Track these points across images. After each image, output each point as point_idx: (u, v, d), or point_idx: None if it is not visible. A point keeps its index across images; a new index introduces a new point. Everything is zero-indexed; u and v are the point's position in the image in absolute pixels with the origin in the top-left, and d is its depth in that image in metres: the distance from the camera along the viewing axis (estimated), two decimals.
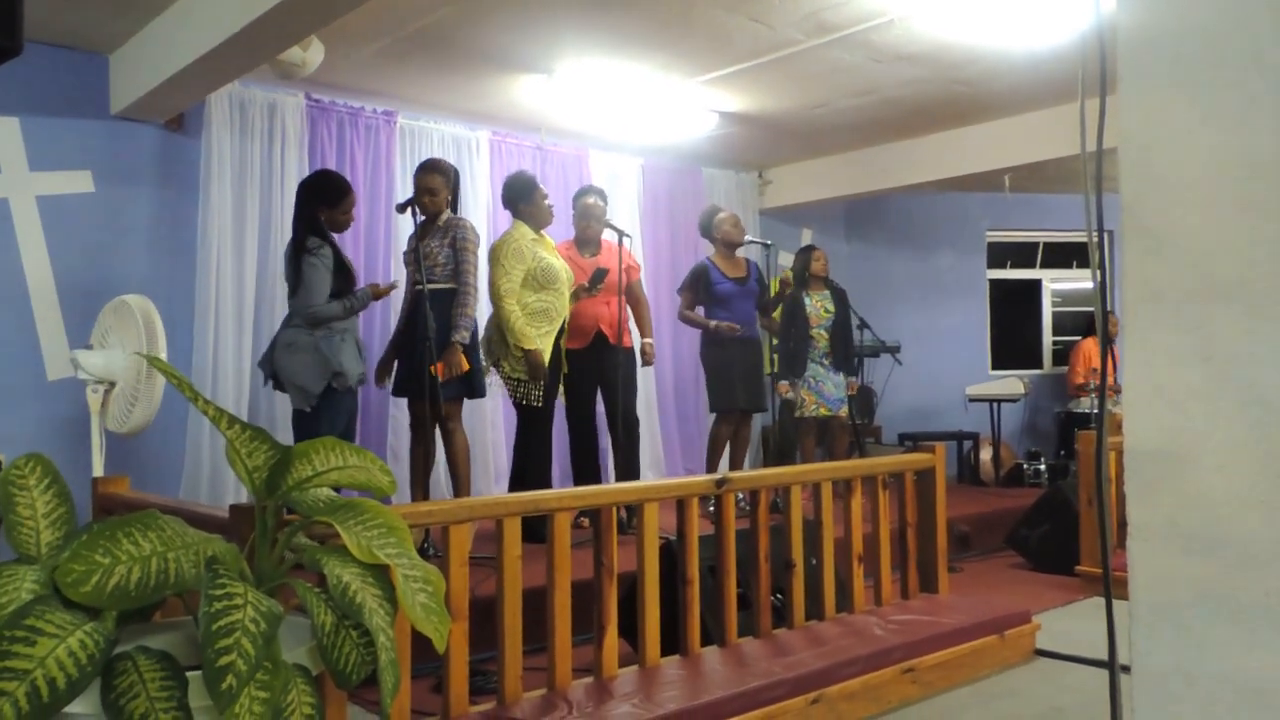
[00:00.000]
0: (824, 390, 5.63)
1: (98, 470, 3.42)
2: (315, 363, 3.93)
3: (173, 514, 2.39)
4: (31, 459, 1.76)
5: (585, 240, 5.03)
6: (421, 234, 4.27)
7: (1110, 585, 1.68)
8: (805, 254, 5.90)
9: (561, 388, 4.73)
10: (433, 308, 4.12)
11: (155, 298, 4.43)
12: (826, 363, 5.67)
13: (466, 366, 4.13)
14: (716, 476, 2.90)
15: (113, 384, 3.56)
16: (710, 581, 3.03)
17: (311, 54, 4.41)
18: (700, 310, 5.48)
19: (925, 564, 3.61)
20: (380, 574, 1.86)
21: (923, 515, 3.62)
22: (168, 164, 5.02)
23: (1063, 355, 8.57)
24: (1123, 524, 1.39)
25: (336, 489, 1.96)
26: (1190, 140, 1.27)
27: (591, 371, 4.80)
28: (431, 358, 3.99)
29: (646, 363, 5.02)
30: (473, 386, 4.29)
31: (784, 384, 5.62)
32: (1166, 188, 1.29)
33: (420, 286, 4.16)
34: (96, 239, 4.78)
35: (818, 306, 5.72)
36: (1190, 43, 1.28)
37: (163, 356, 3.48)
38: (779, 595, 3.20)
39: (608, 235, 4.88)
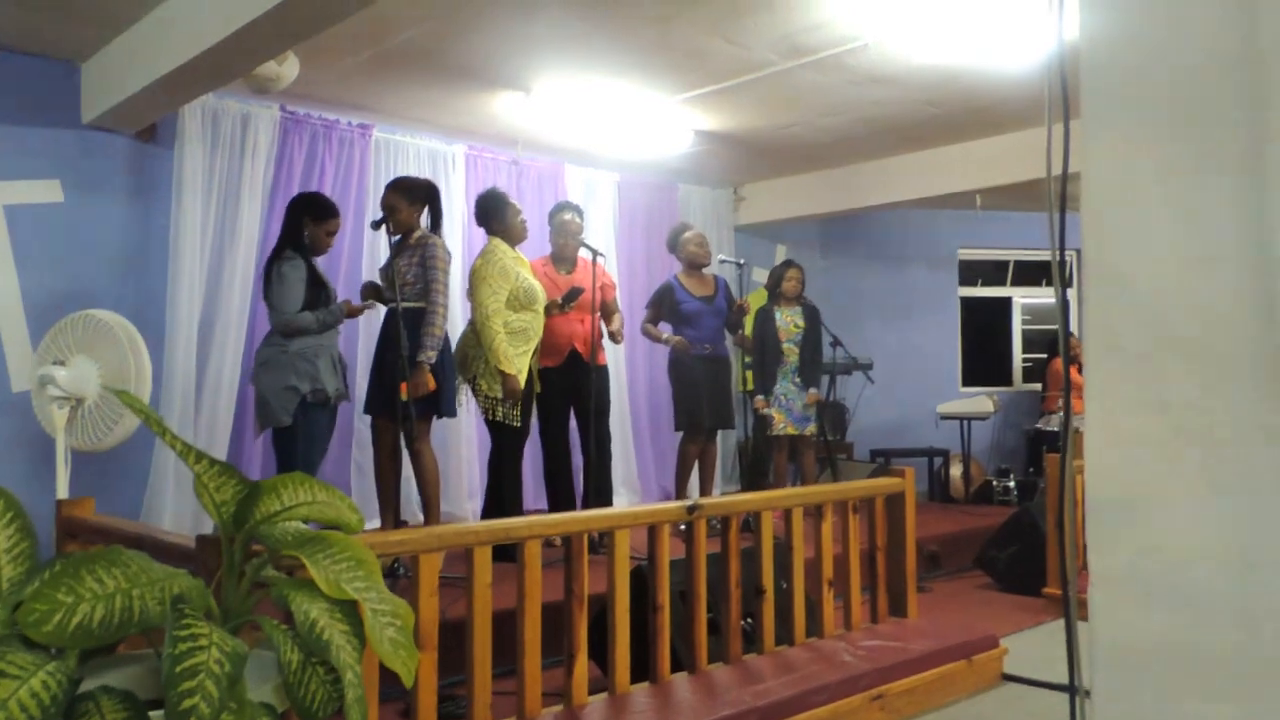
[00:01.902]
0: (793, 408, 5.67)
1: (62, 491, 3.37)
2: (289, 378, 3.92)
3: (139, 542, 2.38)
4: None
5: (562, 257, 5.02)
6: (395, 252, 4.29)
7: (1074, 614, 1.70)
8: (779, 270, 5.94)
9: (535, 406, 4.72)
10: (401, 326, 4.11)
11: (125, 310, 4.39)
12: (797, 380, 5.70)
13: (433, 386, 4.12)
14: (688, 503, 2.91)
15: (80, 400, 3.51)
16: (681, 606, 3.04)
17: (286, 68, 4.38)
18: (666, 328, 5.50)
19: (895, 588, 3.64)
20: (349, 608, 1.85)
21: (892, 539, 3.64)
22: (139, 174, 4.98)
23: (1033, 372, 8.67)
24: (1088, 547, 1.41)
25: (305, 522, 1.95)
26: (1150, 192, 1.30)
27: (565, 389, 4.79)
28: (402, 377, 3.99)
29: (615, 339, 5.00)
30: (440, 406, 4.28)
31: (759, 399, 5.67)
32: (1127, 238, 1.32)
33: (393, 305, 4.14)
34: (65, 249, 4.71)
35: (787, 321, 5.76)
36: (1151, 96, 1.30)
37: (148, 378, 3.45)
38: (749, 620, 3.21)
39: (584, 253, 4.87)
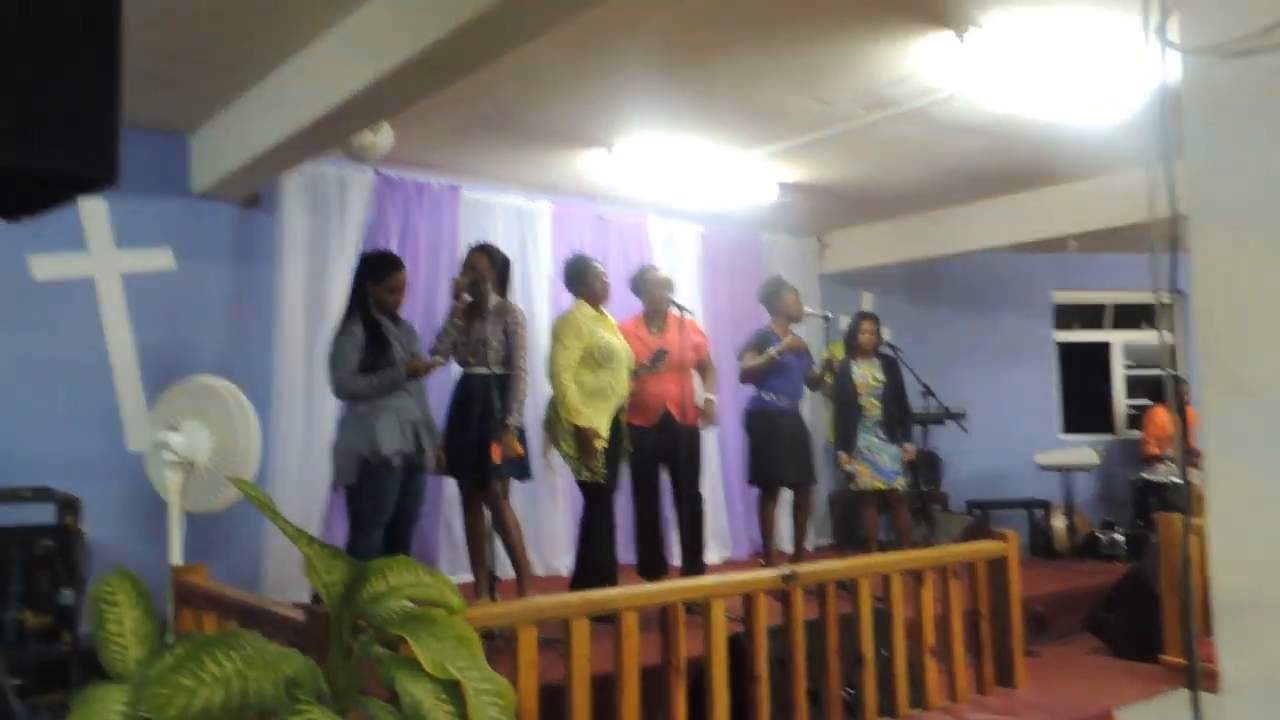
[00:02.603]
0: (879, 462, 5.53)
1: (175, 556, 3.50)
2: (351, 440, 3.98)
3: (250, 614, 2.45)
4: (120, 576, 1.81)
5: (655, 314, 5.00)
6: (470, 317, 4.30)
7: (1197, 686, 1.61)
8: (854, 323, 5.84)
9: (626, 463, 4.72)
10: (483, 392, 4.17)
11: (233, 372, 4.55)
12: (881, 433, 5.57)
13: (520, 451, 4.18)
14: (784, 571, 2.87)
15: (192, 464, 3.65)
16: (779, 675, 2.98)
17: (381, 137, 4.54)
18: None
19: (1001, 656, 3.50)
20: (452, 688, 1.87)
21: (996, 605, 3.52)
22: (244, 240, 5.19)
23: (1137, 419, 8.35)
24: (1208, 610, 1.34)
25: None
26: (1269, 290, 1.25)
27: (658, 449, 4.77)
28: (493, 439, 4.05)
29: (709, 420, 4.94)
30: (523, 469, 4.34)
31: (843, 455, 5.56)
32: (1244, 335, 1.27)
33: (482, 370, 4.20)
34: (177, 314, 4.94)
35: (866, 375, 5.65)
36: (1261, 190, 1.26)
37: (256, 445, 3.57)
38: (850, 689, 3.13)
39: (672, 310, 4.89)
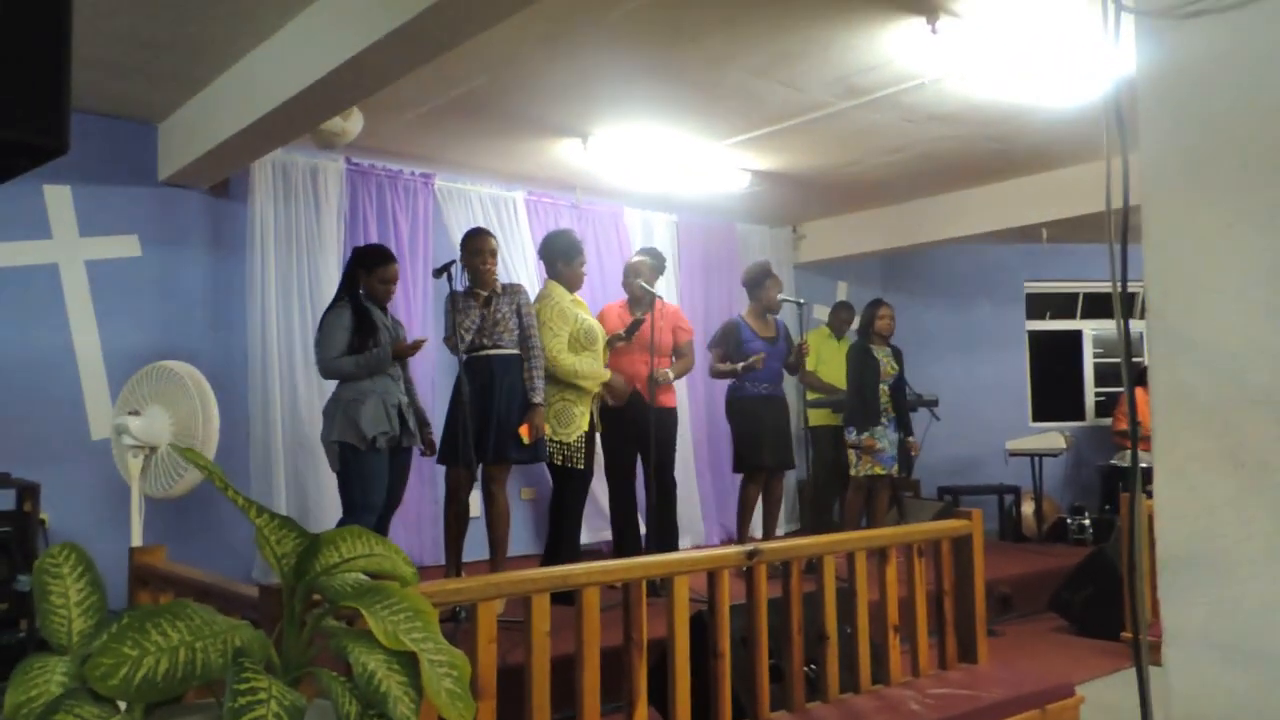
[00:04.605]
0: (882, 448, 5.56)
1: (136, 539, 3.47)
2: (334, 429, 3.98)
3: (207, 591, 2.43)
4: (65, 548, 1.78)
5: (639, 300, 4.97)
6: (487, 300, 4.26)
7: (1145, 661, 1.63)
8: (872, 309, 5.79)
9: (600, 448, 4.73)
10: (502, 373, 4.18)
11: (207, 361, 4.54)
12: (885, 420, 5.59)
13: (547, 430, 4.20)
14: (747, 548, 2.88)
15: (153, 449, 3.62)
16: (742, 653, 2.99)
17: (351, 124, 4.51)
18: None
19: (963, 633, 3.52)
20: (406, 660, 1.86)
21: (960, 583, 3.54)
22: (213, 228, 5.16)
23: (1106, 406, 8.44)
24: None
25: (364, 574, 1.97)
26: (1216, 244, 1.26)
27: (629, 430, 4.76)
28: (518, 420, 4.07)
29: (658, 377, 4.87)
30: (536, 452, 4.32)
31: (868, 437, 5.51)
32: (1193, 290, 1.28)
33: (499, 351, 4.21)
34: (144, 302, 4.90)
35: (884, 362, 5.67)
36: (1214, 149, 1.27)
37: (214, 426, 3.55)
38: (812, 666, 3.14)
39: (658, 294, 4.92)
